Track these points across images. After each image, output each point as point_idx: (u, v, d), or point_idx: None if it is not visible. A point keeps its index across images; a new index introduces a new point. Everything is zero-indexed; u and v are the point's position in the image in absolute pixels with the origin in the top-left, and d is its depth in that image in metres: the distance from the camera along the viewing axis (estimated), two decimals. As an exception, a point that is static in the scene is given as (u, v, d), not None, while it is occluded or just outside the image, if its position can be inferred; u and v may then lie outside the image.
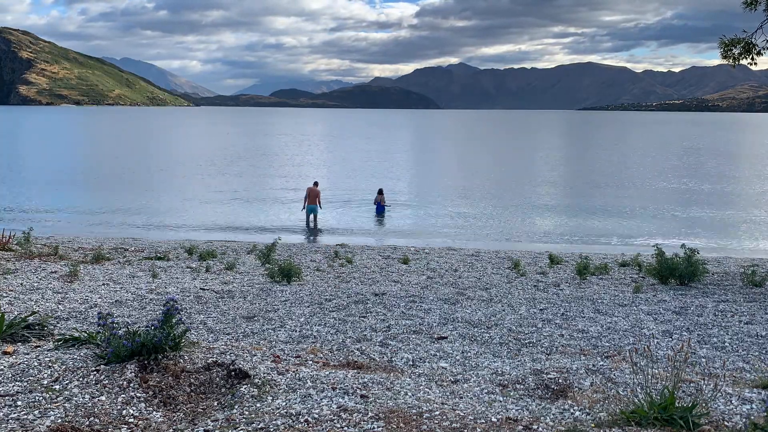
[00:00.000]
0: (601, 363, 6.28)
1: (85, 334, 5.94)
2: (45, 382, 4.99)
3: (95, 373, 5.10)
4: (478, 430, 4.30)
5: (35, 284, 10.34)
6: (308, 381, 5.12)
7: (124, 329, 5.58)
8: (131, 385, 4.93)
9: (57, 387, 4.91)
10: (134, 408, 4.66)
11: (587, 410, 4.73)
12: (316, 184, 23.87)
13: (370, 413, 4.49)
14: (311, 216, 23.15)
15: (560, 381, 5.56)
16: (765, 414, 4.20)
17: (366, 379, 5.32)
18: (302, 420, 4.38)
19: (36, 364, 5.30)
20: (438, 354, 6.96)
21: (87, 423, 4.41)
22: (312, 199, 23.06)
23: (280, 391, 4.90)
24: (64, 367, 5.22)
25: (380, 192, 26.06)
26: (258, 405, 4.66)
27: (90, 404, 4.65)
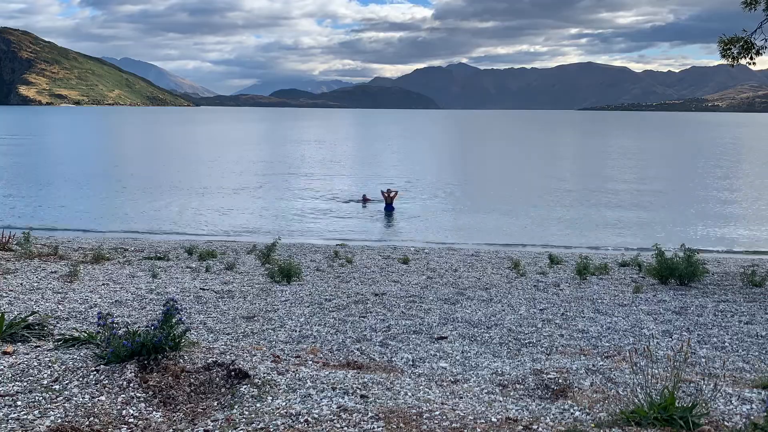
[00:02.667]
0: (601, 363, 6.28)
1: (85, 334, 5.93)
2: (45, 382, 4.99)
3: (95, 373, 5.10)
4: (478, 430, 4.30)
5: (35, 284, 10.34)
6: (308, 381, 5.12)
7: (124, 329, 5.58)
8: (131, 385, 4.93)
9: (57, 387, 4.90)
10: (134, 408, 4.66)
11: (587, 410, 4.72)
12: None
13: (370, 413, 4.49)
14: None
15: (560, 381, 5.56)
16: (765, 414, 4.20)
17: (366, 379, 5.31)
18: (302, 420, 4.38)
19: (36, 364, 5.29)
20: (438, 354, 6.96)
21: (87, 423, 4.40)
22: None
23: (280, 391, 4.90)
24: (64, 367, 5.22)
25: (388, 191, 26.66)
26: (258, 405, 4.66)
27: (90, 404, 4.65)
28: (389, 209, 25.97)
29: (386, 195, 26.41)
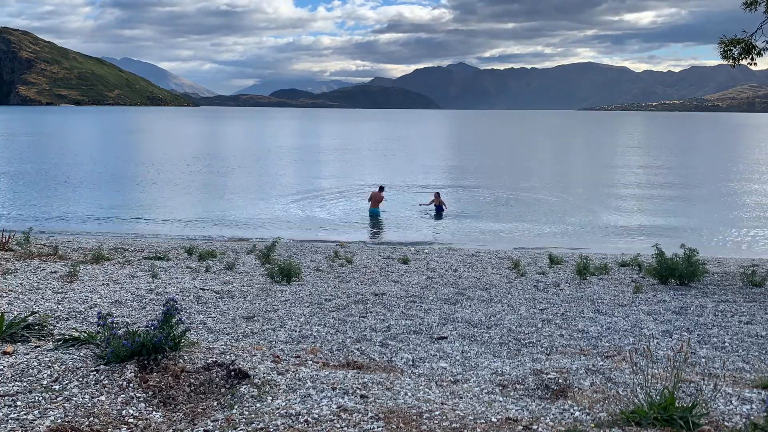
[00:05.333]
0: (601, 363, 6.27)
1: (85, 334, 5.93)
2: (45, 382, 4.98)
3: (95, 373, 5.10)
4: (478, 430, 4.30)
5: (35, 284, 10.33)
6: (308, 381, 5.12)
7: (123, 329, 5.58)
8: (131, 385, 4.93)
9: (57, 387, 4.90)
10: (134, 408, 4.65)
11: (587, 410, 4.72)
12: (381, 189, 25.33)
13: (369, 413, 4.49)
14: (374, 218, 24.61)
15: (560, 381, 5.56)
16: (765, 414, 4.20)
17: (366, 379, 5.31)
18: (302, 420, 4.38)
19: (36, 364, 5.29)
20: (438, 354, 6.97)
21: (87, 423, 4.40)
22: (375, 203, 24.87)
23: (280, 391, 4.90)
24: (63, 367, 5.22)
25: (437, 195, 25.83)
26: (258, 405, 4.66)
27: (90, 404, 4.65)
28: (439, 211, 25.33)
29: (435, 199, 25.70)
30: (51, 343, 6.09)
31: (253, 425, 4.33)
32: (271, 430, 4.27)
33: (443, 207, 25.51)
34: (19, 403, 4.64)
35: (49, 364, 5.27)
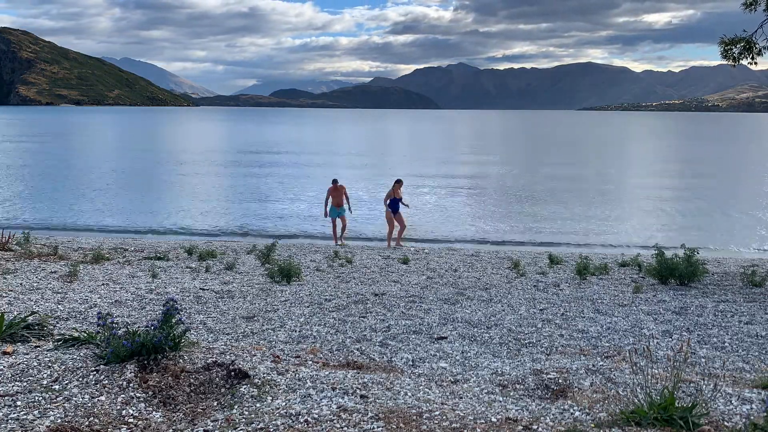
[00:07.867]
0: (601, 363, 6.27)
1: (85, 334, 5.93)
2: (44, 383, 4.98)
3: (95, 373, 5.10)
4: (478, 430, 4.30)
5: (35, 284, 10.33)
6: (308, 381, 5.12)
7: (123, 329, 5.58)
8: (131, 385, 4.93)
9: (56, 387, 4.90)
10: (134, 408, 4.65)
11: (587, 410, 4.72)
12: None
13: (369, 413, 4.49)
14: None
15: (560, 381, 5.56)
16: (765, 414, 4.20)
17: (366, 379, 5.31)
18: (302, 420, 4.38)
19: (35, 364, 5.29)
20: (438, 354, 6.96)
21: (87, 423, 4.40)
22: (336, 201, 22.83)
23: (280, 391, 4.90)
24: (63, 367, 5.22)
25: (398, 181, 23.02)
26: (258, 405, 4.66)
27: (89, 404, 4.65)
28: (394, 204, 24.08)
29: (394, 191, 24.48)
30: (51, 343, 6.09)
31: (253, 425, 4.33)
32: (271, 430, 4.27)
33: (400, 201, 24.17)
34: (19, 403, 4.64)
35: (49, 364, 5.27)
